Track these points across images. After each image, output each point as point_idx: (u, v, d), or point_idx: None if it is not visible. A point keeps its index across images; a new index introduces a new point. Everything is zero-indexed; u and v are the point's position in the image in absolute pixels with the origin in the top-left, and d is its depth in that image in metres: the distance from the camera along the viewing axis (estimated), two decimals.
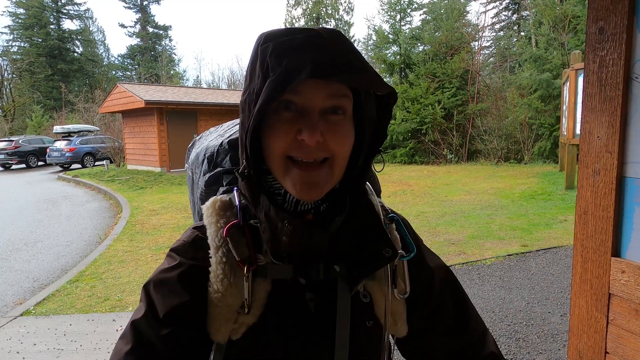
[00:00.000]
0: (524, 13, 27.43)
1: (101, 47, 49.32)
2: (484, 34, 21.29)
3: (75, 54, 45.30)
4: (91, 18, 47.70)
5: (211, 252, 0.65)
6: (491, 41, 29.88)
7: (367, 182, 0.76)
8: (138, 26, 48.50)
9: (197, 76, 50.39)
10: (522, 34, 25.55)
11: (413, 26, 20.62)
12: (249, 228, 0.66)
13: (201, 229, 0.69)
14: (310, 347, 0.64)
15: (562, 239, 5.73)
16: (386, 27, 20.62)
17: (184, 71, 47.51)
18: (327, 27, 0.61)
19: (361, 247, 0.66)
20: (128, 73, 48.54)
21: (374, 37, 23.20)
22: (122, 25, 48.99)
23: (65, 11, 44.98)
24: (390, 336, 0.71)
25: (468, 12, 23.01)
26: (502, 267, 4.83)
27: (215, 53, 77.20)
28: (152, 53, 47.88)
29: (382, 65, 19.18)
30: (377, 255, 0.65)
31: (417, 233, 0.80)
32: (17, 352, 3.44)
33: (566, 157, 9.03)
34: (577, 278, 1.47)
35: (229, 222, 0.66)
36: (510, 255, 5.22)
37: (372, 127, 0.67)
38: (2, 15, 42.49)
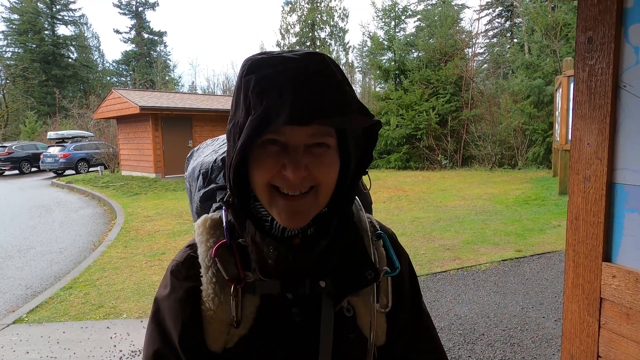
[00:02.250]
0: (517, 20, 27.77)
1: (96, 53, 49.27)
2: (477, 41, 21.51)
3: (70, 60, 45.18)
4: (86, 24, 47.59)
5: (202, 271, 0.69)
6: (485, 48, 30.18)
7: (357, 197, 0.79)
8: (133, 32, 48.50)
9: (193, 82, 50.31)
10: (515, 40, 25.83)
11: (407, 33, 20.80)
12: (237, 246, 0.69)
13: (193, 247, 0.73)
14: (296, 358, 0.68)
15: (555, 244, 5.77)
16: (381, 33, 20.80)
17: (179, 77, 47.59)
18: (314, 51, 0.61)
19: (346, 266, 0.69)
20: (123, 79, 48.46)
21: (369, 44, 23.37)
22: (117, 31, 48.74)
23: (59, 17, 44.91)
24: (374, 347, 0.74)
25: (462, 19, 23.27)
26: (497, 272, 4.85)
27: (210, 59, 77.47)
28: (147, 59, 47.84)
29: (378, 72, 19.31)
30: (360, 276, 0.69)
31: (403, 247, 0.83)
32: None
33: (559, 163, 9.12)
34: (569, 283, 1.49)
35: (218, 240, 0.70)
36: (505, 260, 5.25)
37: (359, 151, 0.69)
38: None
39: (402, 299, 0.77)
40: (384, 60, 19.57)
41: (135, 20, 48.48)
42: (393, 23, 20.88)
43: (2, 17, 41.99)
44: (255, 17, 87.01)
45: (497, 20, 32.67)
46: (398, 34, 20.32)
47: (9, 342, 3.71)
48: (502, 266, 5.07)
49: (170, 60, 50.51)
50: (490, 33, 32.48)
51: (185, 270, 0.71)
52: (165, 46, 51.32)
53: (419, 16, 22.38)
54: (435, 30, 18.53)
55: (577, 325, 1.47)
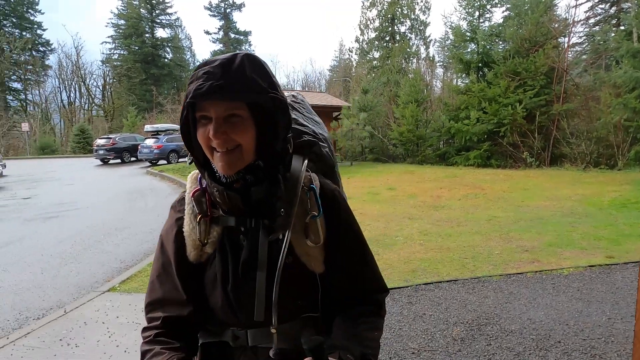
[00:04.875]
0: (625, 5, 24.75)
1: (188, 52, 53.00)
2: (574, 29, 19.56)
3: (166, 60, 49.18)
4: (180, 26, 51.30)
5: (185, 207, 1.01)
6: (584, 37, 27.35)
7: (318, 160, 1.12)
8: (221, 32, 51.45)
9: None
10: (622, 27, 23.07)
11: (493, 23, 19.56)
12: (209, 192, 0.97)
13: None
14: (243, 270, 0.96)
15: None
16: (464, 24, 19.81)
17: None
18: (238, 52, 0.89)
19: (280, 208, 0.94)
20: None
21: (451, 37, 22.41)
22: (207, 32, 52.05)
23: (158, 21, 49.03)
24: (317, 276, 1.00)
25: (556, 6, 21.31)
26: (582, 278, 4.44)
27: (290, 56, 79.51)
28: None
29: (459, 65, 18.46)
30: (283, 214, 0.94)
31: (342, 203, 1.05)
32: (103, 323, 3.86)
33: None
34: None
35: (198, 188, 1.00)
36: (592, 266, 4.77)
37: (272, 122, 0.91)
38: (106, 26, 47.74)
39: (335, 238, 1.00)
40: (467, 53, 18.63)
41: (223, 22, 51.37)
42: (477, 13, 19.79)
43: (111, 23, 46.81)
44: (336, 13, 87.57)
45: (600, 6, 29.39)
46: (482, 24, 19.20)
47: (103, 306, 4.19)
48: (588, 272, 4.62)
49: None
50: (592, 21, 29.32)
51: (178, 205, 1.06)
52: (250, 45, 53.69)
53: (508, 5, 20.90)
54: (525, 18, 17.19)
55: None
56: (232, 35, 51.74)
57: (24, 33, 43.26)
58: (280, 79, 55.42)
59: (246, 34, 52.57)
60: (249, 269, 0.96)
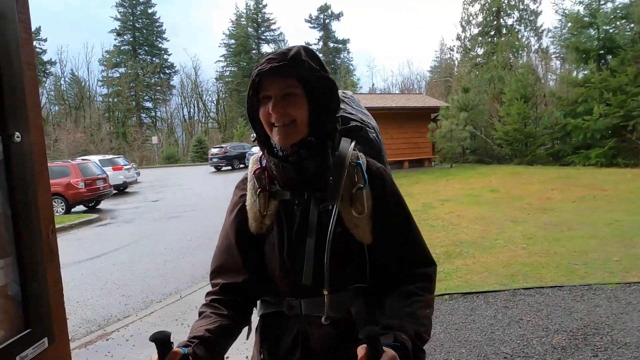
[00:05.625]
0: None
1: None
2: None
3: None
4: (283, 40, 54.30)
5: (248, 185, 1.14)
6: None
7: (365, 144, 1.21)
8: (321, 43, 53.26)
9: (373, 84, 52.40)
10: None
11: (617, 4, 17.23)
12: (268, 170, 1.10)
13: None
14: (296, 237, 1.06)
15: None
16: (580, 9, 17.80)
17: (358, 79, 50.01)
18: (302, 44, 1.04)
19: (329, 181, 1.04)
20: None
21: (565, 24, 20.28)
22: (308, 44, 54.35)
23: (263, 37, 52.62)
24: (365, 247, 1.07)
25: None
26: None
27: (387, 59, 78.87)
28: (332, 66, 51.97)
29: (575, 54, 16.62)
30: (331, 183, 1.04)
31: (388, 179, 1.11)
32: None
33: None
34: None
35: (258, 167, 1.13)
36: None
37: (324, 99, 1.03)
38: (219, 47, 52.69)
39: (381, 210, 1.07)
40: (584, 40, 16.68)
41: (322, 32, 53.14)
42: None
43: (223, 43, 51.47)
44: (434, 11, 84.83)
45: None
46: (604, 6, 17.03)
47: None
48: None
49: (352, 65, 53.70)
50: None
51: (242, 183, 1.19)
52: (348, 52, 54.71)
53: None
54: None
55: None
56: (331, 45, 53.21)
57: (154, 59, 49.74)
58: (377, 83, 55.39)
59: (344, 41, 53.67)
60: (301, 235, 1.05)
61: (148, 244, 7.79)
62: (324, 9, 52.37)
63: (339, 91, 1.24)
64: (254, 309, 1.18)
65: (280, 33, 53.61)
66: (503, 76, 20.01)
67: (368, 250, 1.07)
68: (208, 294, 1.13)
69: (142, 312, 4.50)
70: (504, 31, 34.25)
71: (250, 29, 51.54)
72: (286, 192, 1.08)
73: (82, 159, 16.09)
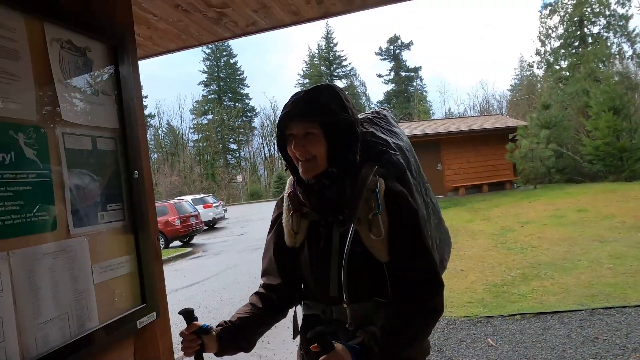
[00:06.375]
0: None
1: (363, 97, 56.89)
2: None
3: None
4: (354, 75, 55.95)
5: (284, 204, 1.31)
6: None
7: (382, 169, 1.26)
8: (392, 73, 53.88)
9: (449, 108, 51.37)
10: None
11: None
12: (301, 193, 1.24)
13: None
14: (322, 256, 1.21)
15: None
16: None
17: (430, 106, 49.45)
18: (320, 84, 1.19)
19: (349, 206, 1.16)
20: None
21: None
22: (379, 75, 55.30)
23: (336, 74, 54.66)
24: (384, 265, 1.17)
25: None
26: None
27: (459, 83, 76.90)
28: (404, 95, 52.08)
29: None
30: (347, 210, 1.16)
31: (405, 203, 1.20)
32: (287, 327, 4.70)
33: None
34: None
35: (292, 189, 1.28)
36: None
37: (343, 138, 1.16)
38: (294, 87, 55.70)
39: (397, 231, 1.16)
40: None
41: (393, 63, 53.81)
42: None
43: (298, 83, 54.41)
44: (506, 30, 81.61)
45: None
46: None
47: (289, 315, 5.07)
48: None
49: (426, 91, 53.34)
50: None
51: (280, 202, 1.36)
52: (421, 79, 54.53)
53: None
54: None
55: None
56: (403, 74, 53.54)
57: (237, 104, 53.96)
58: (452, 107, 54.13)
59: (416, 69, 53.69)
60: (325, 254, 1.19)
61: (234, 273, 8.51)
62: (393, 40, 53.25)
63: (372, 111, 1.47)
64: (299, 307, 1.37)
65: (352, 68, 55.30)
66: (587, 88, 18.66)
67: (387, 267, 1.16)
68: (259, 287, 1.37)
69: None
70: (590, 40, 32.03)
71: (323, 67, 53.94)
72: (315, 214, 1.22)
73: (178, 199, 17.84)
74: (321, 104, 1.13)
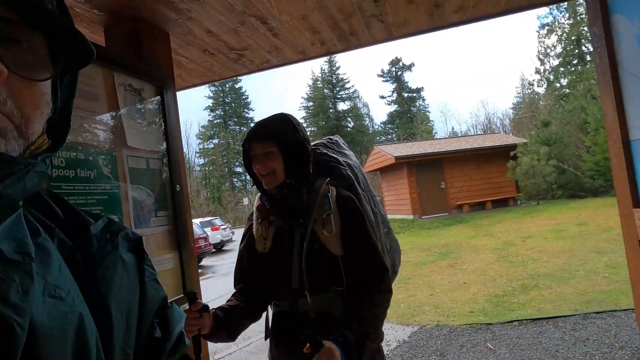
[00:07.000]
0: None
1: (366, 118, 57.72)
2: None
3: (348, 129, 54.65)
4: (357, 97, 56.87)
5: (254, 215, 1.51)
6: None
7: (334, 180, 1.48)
8: (395, 94, 54.75)
9: (452, 128, 51.93)
10: None
11: None
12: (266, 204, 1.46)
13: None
14: (286, 254, 1.40)
15: None
16: None
17: (433, 125, 50.06)
18: (282, 112, 1.43)
19: (306, 211, 1.38)
20: (389, 136, 54.78)
21: None
22: (382, 97, 56.13)
23: (339, 96, 55.55)
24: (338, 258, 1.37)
25: None
26: None
27: (460, 103, 77.84)
28: (408, 115, 52.78)
29: None
30: (308, 216, 1.38)
31: (353, 205, 1.41)
32: None
33: None
34: None
35: (259, 203, 1.50)
36: None
37: (296, 155, 1.37)
38: (299, 110, 56.92)
39: (347, 228, 1.38)
40: None
41: (395, 84, 54.73)
42: None
43: (302, 106, 55.44)
44: (505, 51, 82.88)
45: None
46: None
47: None
48: None
49: (429, 111, 54.02)
50: None
51: (251, 215, 1.54)
52: (423, 100, 55.32)
53: None
54: None
55: None
56: (405, 95, 54.38)
57: (242, 128, 54.85)
58: (455, 127, 54.64)
59: (418, 90, 54.51)
60: (288, 253, 1.39)
61: None
62: (395, 62, 54.27)
63: (327, 138, 1.70)
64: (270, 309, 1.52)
65: (355, 90, 56.25)
66: (584, 105, 19.04)
67: (341, 260, 1.37)
68: (232, 294, 1.55)
69: (242, 343, 5.26)
70: (589, 58, 32.63)
71: (326, 90, 54.90)
72: (279, 220, 1.43)
73: None
74: (276, 127, 1.36)
